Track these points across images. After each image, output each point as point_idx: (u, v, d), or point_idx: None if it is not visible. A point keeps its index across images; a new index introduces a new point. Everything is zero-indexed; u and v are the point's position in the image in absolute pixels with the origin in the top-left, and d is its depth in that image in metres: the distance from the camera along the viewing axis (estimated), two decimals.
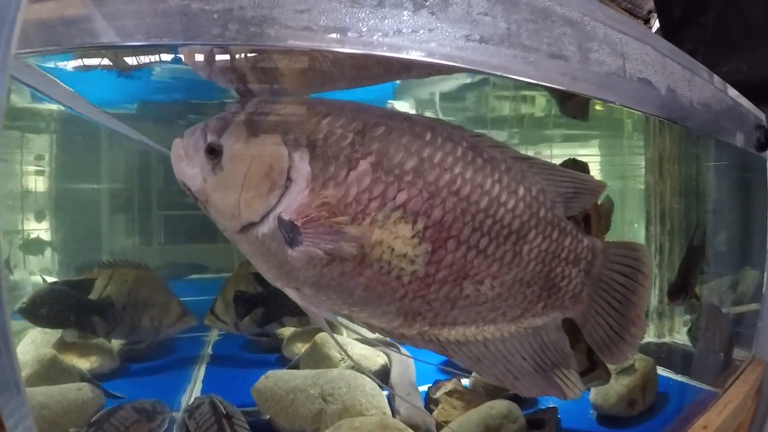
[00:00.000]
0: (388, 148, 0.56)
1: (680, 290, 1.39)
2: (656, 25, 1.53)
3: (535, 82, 0.58)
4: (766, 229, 1.40)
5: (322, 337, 1.36)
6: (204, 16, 0.46)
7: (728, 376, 1.37)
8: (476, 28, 0.54)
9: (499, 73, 0.56)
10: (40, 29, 0.46)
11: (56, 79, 0.95)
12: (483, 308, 0.61)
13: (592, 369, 0.95)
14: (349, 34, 0.51)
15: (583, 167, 1.07)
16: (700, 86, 0.86)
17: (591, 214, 0.83)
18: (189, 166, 0.59)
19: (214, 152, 0.57)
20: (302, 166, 0.56)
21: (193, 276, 2.11)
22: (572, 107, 1.17)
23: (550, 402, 1.10)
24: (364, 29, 0.51)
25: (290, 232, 0.56)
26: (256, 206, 0.56)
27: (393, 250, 0.56)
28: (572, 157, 1.08)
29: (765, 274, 1.42)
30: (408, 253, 0.56)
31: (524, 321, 0.65)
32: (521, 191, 0.61)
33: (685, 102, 0.80)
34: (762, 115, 1.16)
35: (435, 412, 1.03)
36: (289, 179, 0.56)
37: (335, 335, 1.43)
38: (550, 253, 0.63)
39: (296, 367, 1.34)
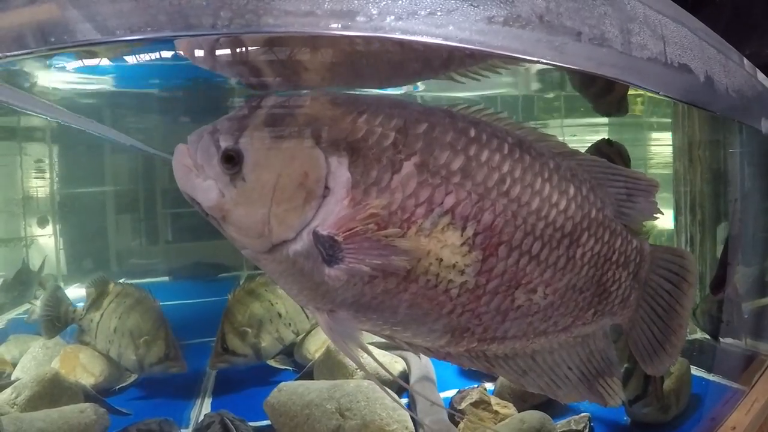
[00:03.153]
0: (432, 147, 0.51)
1: (724, 281, 1.34)
2: None
3: (568, 66, 0.52)
4: None
5: None
6: (192, 4, 0.40)
7: (753, 372, 1.33)
8: (503, 8, 0.48)
9: (527, 58, 0.50)
10: (8, 34, 0.40)
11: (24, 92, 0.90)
12: (534, 319, 0.57)
13: (645, 395, 0.98)
14: (358, 18, 0.45)
15: (618, 150, 1.03)
16: (734, 71, 0.81)
17: None
18: (200, 178, 0.51)
19: (232, 160, 0.50)
20: (341, 172, 0.49)
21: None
22: (606, 104, 1.09)
23: (581, 408, 1.06)
24: (374, 12, 0.45)
25: (329, 249, 0.49)
26: (291, 221, 0.50)
27: (441, 260, 0.51)
28: (606, 138, 1.03)
29: None
30: (457, 263, 0.51)
31: (574, 330, 0.61)
32: (572, 191, 0.56)
33: (721, 89, 0.74)
34: None
35: (461, 425, 0.98)
36: (326, 188, 0.50)
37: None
38: (602, 256, 0.59)
39: (309, 374, 1.30)
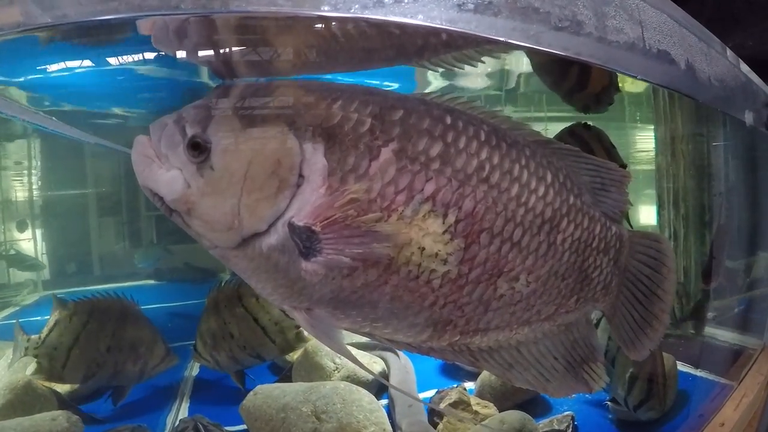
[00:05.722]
0: (410, 134, 0.49)
1: (716, 270, 1.34)
2: None
3: (543, 49, 0.50)
4: None
5: (314, 345, 1.29)
6: None
7: (741, 366, 1.32)
8: None
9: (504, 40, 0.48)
10: None
11: None
12: (517, 308, 0.56)
13: (649, 399, 0.98)
14: (323, 7, 0.43)
15: (597, 135, 1.01)
16: (716, 60, 0.79)
17: None
18: (162, 169, 0.48)
19: (198, 147, 0.47)
20: (316, 159, 0.47)
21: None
22: (583, 99, 1.05)
23: (564, 407, 1.04)
24: (339, 2, 0.43)
25: (306, 241, 0.47)
26: (262, 212, 0.47)
27: (423, 249, 0.49)
28: (584, 122, 1.01)
29: None
30: (440, 252, 0.50)
31: (558, 318, 0.60)
32: (549, 177, 0.55)
33: (703, 78, 0.72)
34: None
35: (440, 426, 0.95)
36: (301, 176, 0.47)
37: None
38: (583, 242, 0.58)
39: (288, 377, 1.28)
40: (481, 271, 0.52)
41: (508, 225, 0.52)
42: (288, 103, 0.48)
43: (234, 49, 0.52)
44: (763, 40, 1.19)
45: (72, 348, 1.13)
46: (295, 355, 1.34)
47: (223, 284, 1.29)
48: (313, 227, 0.46)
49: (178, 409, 1.22)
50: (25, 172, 1.94)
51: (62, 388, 1.22)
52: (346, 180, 0.47)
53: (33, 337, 1.15)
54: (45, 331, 1.15)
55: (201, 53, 0.53)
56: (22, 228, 1.97)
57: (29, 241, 1.97)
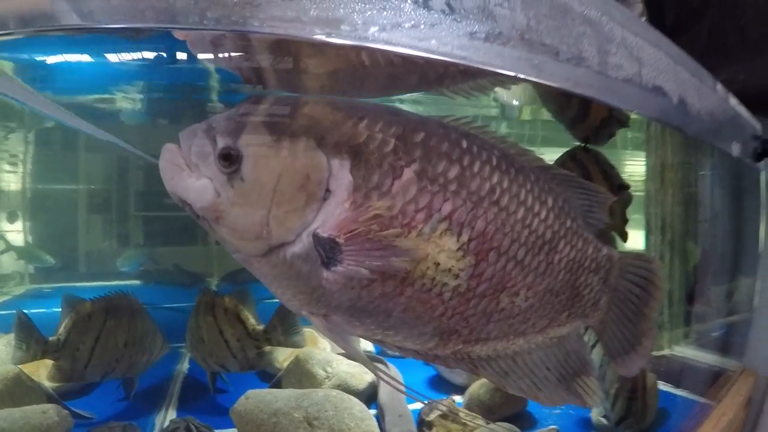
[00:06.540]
0: (430, 155, 0.52)
1: (700, 293, 1.38)
2: None
3: (544, 82, 0.53)
4: (757, 238, 1.39)
5: (305, 352, 1.30)
6: (180, 3, 0.40)
7: (721, 386, 1.36)
8: (486, 25, 0.49)
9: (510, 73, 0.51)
10: None
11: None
12: (515, 320, 0.59)
13: (629, 417, 1.03)
14: (342, 27, 0.45)
15: (595, 158, 1.06)
16: (707, 95, 0.83)
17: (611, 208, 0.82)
18: (192, 178, 0.50)
19: (230, 158, 0.49)
20: (342, 175, 0.49)
21: None
22: (583, 130, 1.11)
23: (549, 422, 1.07)
24: (359, 22, 0.46)
25: (329, 251, 0.49)
26: (291, 223, 0.49)
27: (438, 264, 0.52)
28: (583, 145, 1.05)
29: (756, 284, 1.41)
30: (452, 268, 0.53)
31: (550, 331, 0.63)
32: (550, 201, 0.59)
33: (694, 111, 0.76)
34: (758, 125, 1.14)
35: None
36: (327, 191, 0.49)
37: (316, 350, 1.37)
38: (576, 262, 0.62)
39: (278, 384, 1.29)
40: (487, 286, 0.55)
41: (513, 245, 0.55)
42: (317, 119, 0.50)
43: (267, 63, 0.54)
44: (753, 74, 1.23)
45: (94, 347, 1.14)
46: (285, 363, 1.35)
47: (205, 289, 1.31)
48: (337, 239, 0.48)
49: (167, 411, 1.22)
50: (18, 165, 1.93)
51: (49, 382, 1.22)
52: (369, 196, 0.49)
53: (51, 339, 1.12)
54: (62, 332, 1.14)
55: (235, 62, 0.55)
56: (12, 219, 1.96)
57: (18, 233, 1.96)
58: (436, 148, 0.52)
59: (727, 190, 1.39)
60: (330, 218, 0.49)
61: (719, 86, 0.94)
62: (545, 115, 1.31)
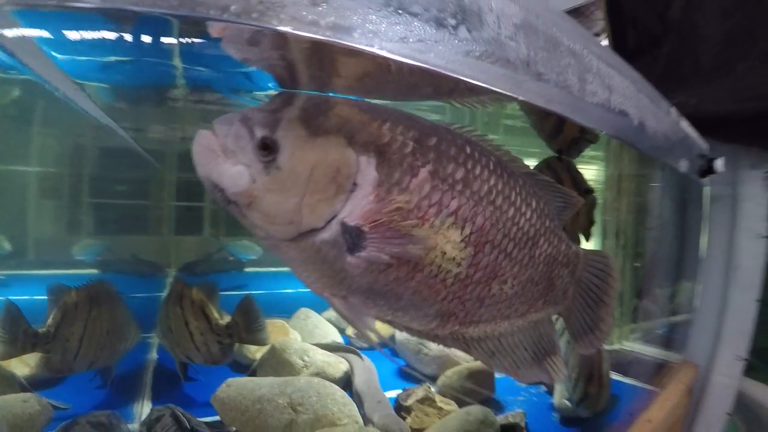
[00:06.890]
0: (442, 158, 0.58)
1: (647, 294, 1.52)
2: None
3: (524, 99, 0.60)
4: (698, 246, 1.54)
5: (282, 342, 1.33)
6: None
7: (664, 376, 1.50)
8: (486, 47, 0.54)
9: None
10: None
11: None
12: (503, 305, 0.67)
13: (587, 398, 1.18)
14: (354, 34, 0.46)
15: (567, 166, 1.18)
16: (662, 118, 0.93)
17: (579, 210, 0.93)
18: (227, 164, 0.53)
19: (267, 148, 0.52)
20: (369, 171, 0.55)
21: None
22: (557, 143, 1.26)
23: (515, 407, 1.16)
24: (370, 33, 0.47)
25: (355, 238, 0.54)
26: (321, 211, 0.54)
27: (444, 253, 0.59)
28: (555, 156, 1.18)
29: (697, 287, 1.56)
30: (456, 257, 0.60)
31: (529, 316, 0.71)
32: (534, 203, 0.67)
33: (650, 132, 0.86)
34: (706, 146, 1.27)
35: (409, 420, 1.04)
36: (354, 184, 0.55)
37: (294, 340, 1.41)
38: (552, 256, 0.70)
39: (254, 374, 1.31)
40: (482, 274, 0.62)
41: (504, 239, 0.63)
42: (347, 119, 0.55)
43: (300, 60, 0.57)
44: (704, 100, 1.35)
45: (83, 337, 1.12)
46: (258, 353, 1.38)
47: (177, 279, 1.31)
48: (363, 227, 0.54)
49: (143, 401, 1.21)
50: None
51: (22, 371, 1.19)
52: (391, 191, 0.55)
53: (41, 331, 1.09)
54: (51, 322, 1.11)
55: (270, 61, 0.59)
56: None
57: None
58: (446, 151, 0.59)
59: (675, 201, 1.53)
60: (356, 209, 0.54)
61: (673, 110, 1.05)
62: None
